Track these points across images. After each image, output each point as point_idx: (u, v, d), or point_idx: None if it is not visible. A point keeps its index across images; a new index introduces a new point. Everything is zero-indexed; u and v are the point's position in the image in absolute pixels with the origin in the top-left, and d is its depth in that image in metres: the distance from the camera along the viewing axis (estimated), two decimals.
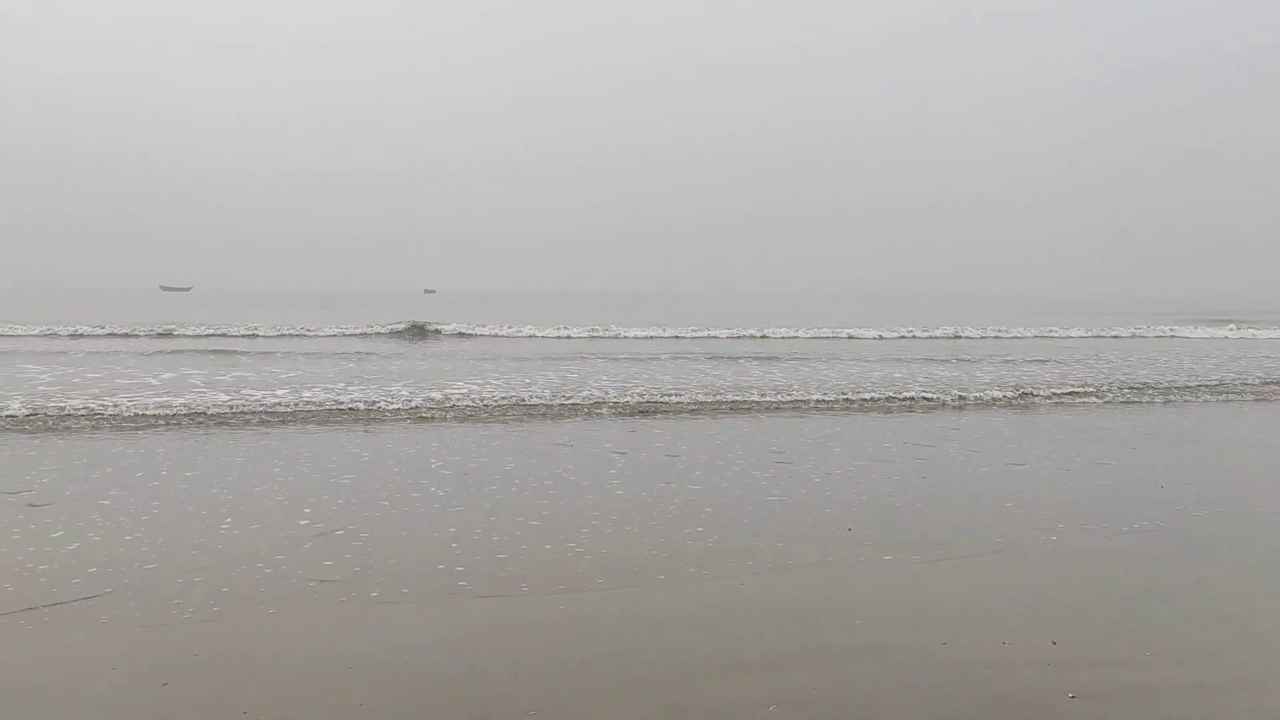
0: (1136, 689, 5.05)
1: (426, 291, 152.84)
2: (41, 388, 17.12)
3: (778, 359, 26.59)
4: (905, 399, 17.62)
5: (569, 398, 16.96)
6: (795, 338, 36.43)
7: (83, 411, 14.35)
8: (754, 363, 25.36)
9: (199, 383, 18.44)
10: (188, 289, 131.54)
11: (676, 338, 35.17)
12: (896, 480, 10.52)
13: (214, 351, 25.90)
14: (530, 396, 16.91)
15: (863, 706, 4.80)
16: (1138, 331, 41.68)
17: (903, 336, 37.88)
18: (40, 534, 7.76)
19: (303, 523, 8.38)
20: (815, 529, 8.30)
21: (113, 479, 10.03)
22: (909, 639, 5.71)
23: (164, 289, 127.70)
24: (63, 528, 7.96)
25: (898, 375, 22.20)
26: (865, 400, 17.45)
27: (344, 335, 33.11)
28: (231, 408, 15.08)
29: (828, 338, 37.24)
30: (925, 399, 17.67)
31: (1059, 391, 18.86)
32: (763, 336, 36.24)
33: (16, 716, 4.61)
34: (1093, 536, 8.19)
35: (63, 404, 14.88)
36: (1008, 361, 27.00)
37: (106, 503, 8.94)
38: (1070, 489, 10.20)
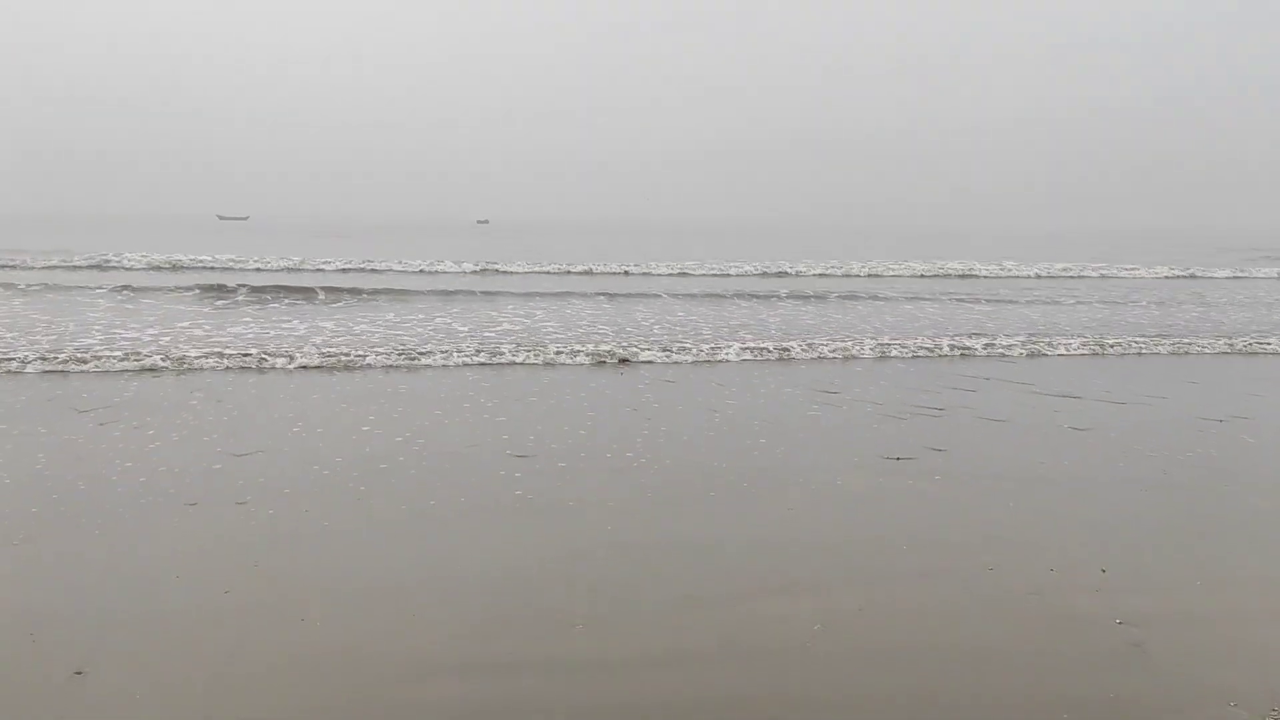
0: (1185, 615, 5.03)
1: (479, 222, 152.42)
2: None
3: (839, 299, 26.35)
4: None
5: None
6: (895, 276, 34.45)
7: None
8: (793, 301, 25.17)
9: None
10: (245, 218, 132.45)
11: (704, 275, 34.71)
12: (945, 412, 10.46)
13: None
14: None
15: (909, 629, 4.83)
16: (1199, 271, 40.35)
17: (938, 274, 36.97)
18: (115, 443, 8.00)
19: (364, 429, 8.64)
20: (862, 458, 8.30)
21: (190, 392, 10.28)
22: (955, 564, 5.72)
23: (221, 218, 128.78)
24: (136, 436, 8.20)
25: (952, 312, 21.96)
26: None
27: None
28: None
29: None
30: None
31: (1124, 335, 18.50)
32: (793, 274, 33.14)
33: (87, 624, 4.79)
34: (1146, 466, 8.10)
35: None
36: (1082, 302, 26.52)
37: (194, 404, 9.20)
38: (1125, 421, 10.08)
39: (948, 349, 15.23)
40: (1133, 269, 37.54)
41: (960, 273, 34.58)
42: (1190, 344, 16.56)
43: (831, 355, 14.61)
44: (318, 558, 5.70)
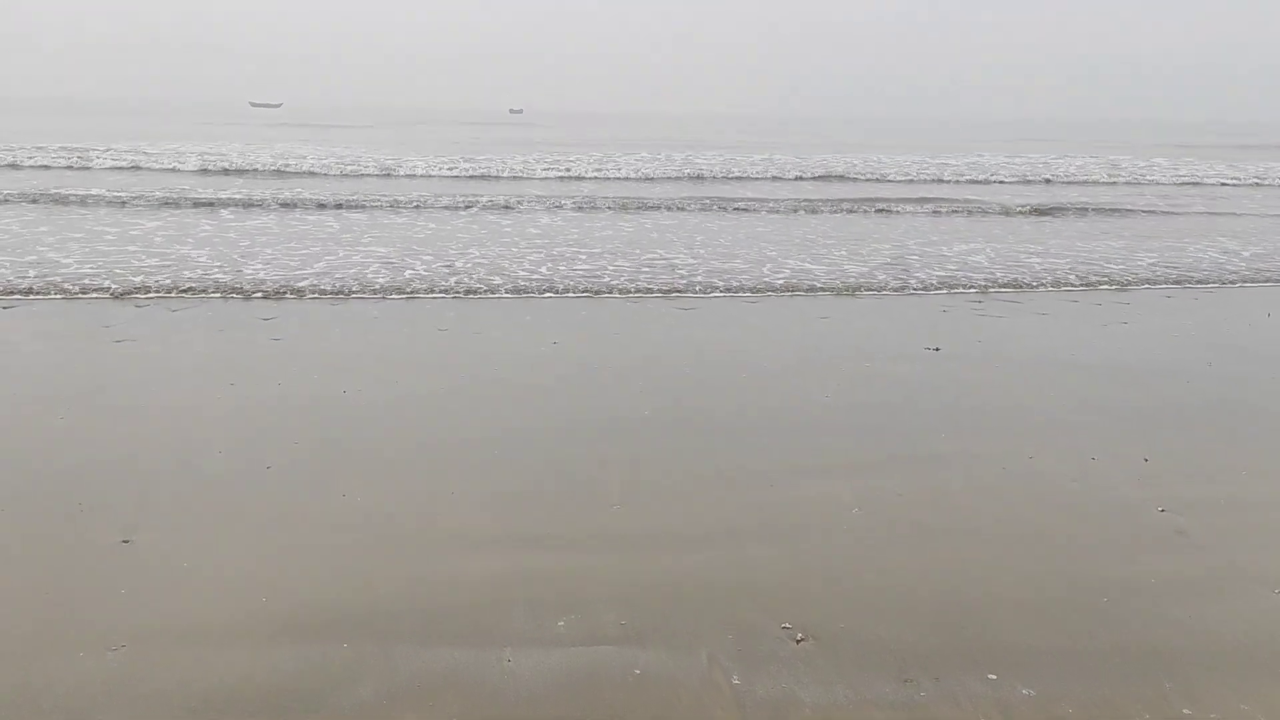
0: (1228, 503, 4.96)
1: (513, 111, 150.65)
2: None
3: None
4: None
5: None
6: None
7: None
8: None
9: None
10: (278, 105, 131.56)
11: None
12: (983, 303, 10.29)
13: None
14: None
15: (947, 513, 4.80)
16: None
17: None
18: (160, 336, 8.07)
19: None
20: (899, 347, 8.19)
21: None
22: (995, 450, 5.67)
23: (254, 105, 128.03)
24: (181, 326, 8.26)
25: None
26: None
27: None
28: None
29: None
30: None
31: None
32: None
33: (132, 495, 4.86)
34: (1190, 356, 7.96)
35: None
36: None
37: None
38: (1170, 312, 9.89)
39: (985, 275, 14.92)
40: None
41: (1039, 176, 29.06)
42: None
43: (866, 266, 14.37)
44: (355, 434, 5.73)
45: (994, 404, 6.60)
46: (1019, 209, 19.69)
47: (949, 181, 26.45)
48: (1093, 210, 19.92)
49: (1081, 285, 11.27)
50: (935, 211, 19.06)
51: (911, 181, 25.98)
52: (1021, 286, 11.14)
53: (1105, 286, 11.25)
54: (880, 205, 19.45)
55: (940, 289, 10.87)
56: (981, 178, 27.35)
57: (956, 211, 19.34)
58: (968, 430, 6.04)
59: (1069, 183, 27.12)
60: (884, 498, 4.94)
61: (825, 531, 4.55)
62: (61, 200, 16.54)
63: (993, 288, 10.99)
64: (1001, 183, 26.37)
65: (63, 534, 4.35)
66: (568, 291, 10.14)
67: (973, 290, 10.81)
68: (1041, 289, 11.08)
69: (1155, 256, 13.63)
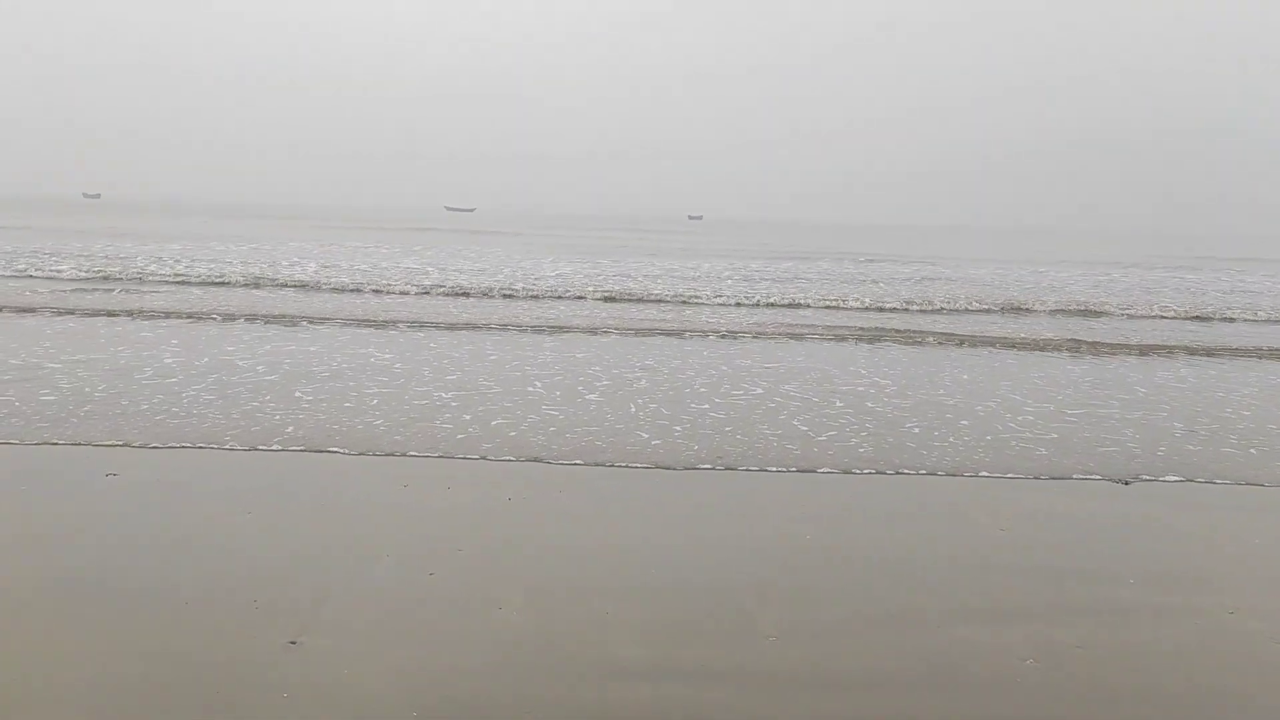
0: None
1: (691, 218, 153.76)
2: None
3: None
4: None
5: None
6: None
7: None
8: None
9: None
10: (472, 210, 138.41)
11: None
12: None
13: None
14: None
15: (1134, 673, 4.43)
16: None
17: None
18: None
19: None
20: (1077, 482, 7.72)
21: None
22: (1190, 603, 5.22)
23: (449, 209, 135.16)
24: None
25: None
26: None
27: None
28: None
29: None
30: None
31: None
32: None
33: (304, 594, 5.04)
34: None
35: None
36: None
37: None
38: None
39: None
40: None
41: None
42: None
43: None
44: (517, 546, 5.80)
45: (1188, 549, 6.12)
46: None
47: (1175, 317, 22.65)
48: None
49: None
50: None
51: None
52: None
53: None
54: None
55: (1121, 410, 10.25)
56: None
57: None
58: (1157, 577, 5.59)
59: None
60: (1062, 650, 4.61)
61: (995, 683, 4.27)
62: (292, 322, 17.10)
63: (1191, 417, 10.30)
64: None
65: (238, 631, 4.53)
66: (747, 465, 10.02)
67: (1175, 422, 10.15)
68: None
69: None
